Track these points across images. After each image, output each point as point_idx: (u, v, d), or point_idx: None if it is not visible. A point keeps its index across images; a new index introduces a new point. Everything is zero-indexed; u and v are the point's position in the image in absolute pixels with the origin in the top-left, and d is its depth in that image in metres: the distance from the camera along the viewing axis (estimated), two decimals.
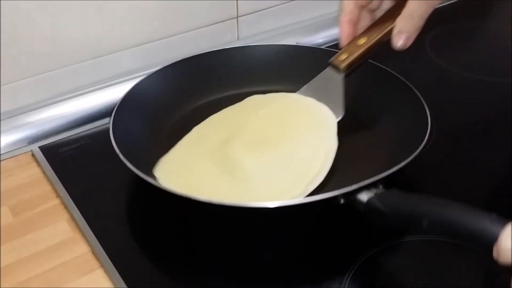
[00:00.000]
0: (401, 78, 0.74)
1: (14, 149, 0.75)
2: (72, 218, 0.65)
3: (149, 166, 0.67)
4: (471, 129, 0.79)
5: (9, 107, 0.77)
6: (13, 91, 0.77)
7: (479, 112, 0.82)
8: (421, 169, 0.66)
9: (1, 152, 0.75)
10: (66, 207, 0.66)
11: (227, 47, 0.84)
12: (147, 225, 0.65)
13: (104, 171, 0.71)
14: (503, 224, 0.45)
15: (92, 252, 0.61)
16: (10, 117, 0.77)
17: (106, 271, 0.58)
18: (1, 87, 0.76)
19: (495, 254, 0.45)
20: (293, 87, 0.76)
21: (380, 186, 0.57)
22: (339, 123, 0.70)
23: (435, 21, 1.02)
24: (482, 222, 0.46)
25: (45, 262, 0.60)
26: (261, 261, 0.60)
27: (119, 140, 0.65)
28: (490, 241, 0.45)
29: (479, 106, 0.83)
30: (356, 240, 0.61)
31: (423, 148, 0.62)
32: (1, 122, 0.76)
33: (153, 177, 0.64)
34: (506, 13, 1.06)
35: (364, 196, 0.56)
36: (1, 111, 0.77)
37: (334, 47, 0.76)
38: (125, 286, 0.56)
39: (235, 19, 0.91)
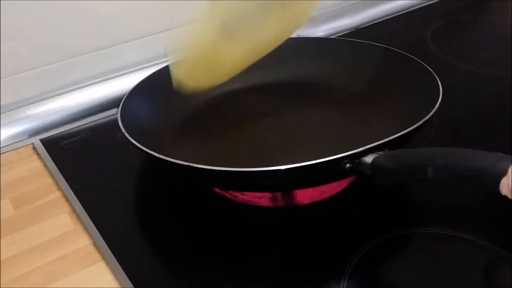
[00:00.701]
0: (409, 55, 0.75)
1: (15, 142, 0.76)
2: (74, 210, 0.65)
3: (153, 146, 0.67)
4: (471, 121, 0.79)
5: (10, 99, 0.78)
6: (14, 84, 0.77)
7: (479, 105, 0.82)
8: None
9: (3, 145, 0.75)
10: (67, 199, 0.66)
11: None
12: (149, 217, 0.65)
13: (105, 164, 0.71)
14: (510, 160, 0.44)
15: (94, 245, 0.61)
16: (11, 110, 0.77)
17: (107, 263, 0.59)
18: (2, 80, 0.76)
19: (504, 189, 0.44)
20: (295, 78, 0.79)
21: (386, 149, 0.56)
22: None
23: (435, 15, 1.03)
24: (488, 159, 0.45)
25: (47, 254, 0.60)
26: (261, 255, 0.60)
27: (125, 118, 0.65)
28: (498, 177, 0.44)
29: (480, 99, 0.83)
30: (356, 232, 0.61)
31: (433, 115, 0.61)
32: (2, 114, 0.76)
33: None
34: (507, 5, 1.07)
35: (369, 158, 0.55)
36: (2, 103, 0.77)
37: None
38: (126, 278, 0.56)
39: None
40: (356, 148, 0.55)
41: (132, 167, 0.70)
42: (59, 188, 0.68)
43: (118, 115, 0.66)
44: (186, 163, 0.56)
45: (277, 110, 0.77)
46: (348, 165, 0.56)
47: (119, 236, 0.62)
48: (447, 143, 0.72)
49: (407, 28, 1.00)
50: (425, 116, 0.60)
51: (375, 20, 1.02)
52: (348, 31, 1.00)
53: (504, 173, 0.44)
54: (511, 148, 0.74)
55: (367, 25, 1.01)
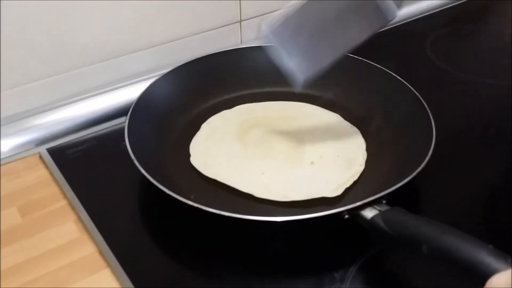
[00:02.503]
0: (412, 88, 0.75)
1: (22, 151, 0.76)
2: (79, 218, 0.66)
3: (159, 167, 0.68)
4: (471, 130, 0.79)
5: (17, 109, 0.78)
6: (21, 94, 0.78)
7: (479, 114, 0.83)
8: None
9: (10, 154, 0.76)
10: (73, 208, 0.67)
11: (235, 48, 0.86)
12: (153, 225, 0.66)
13: (110, 172, 0.72)
14: (498, 258, 0.46)
15: (99, 252, 0.62)
16: (18, 120, 0.78)
17: (113, 270, 0.60)
18: (10, 90, 0.77)
19: None
20: None
21: (384, 202, 0.58)
22: None
23: (435, 24, 1.04)
24: (478, 253, 0.47)
25: (53, 261, 0.61)
26: (266, 259, 0.62)
27: (133, 145, 0.66)
28: (485, 277, 0.45)
29: (479, 108, 0.84)
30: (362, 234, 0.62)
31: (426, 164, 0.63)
32: (10, 124, 0.77)
33: (163, 180, 0.63)
34: (506, 14, 1.07)
35: (368, 213, 0.57)
36: (10, 113, 0.78)
37: None
38: (131, 285, 0.57)
39: (239, 23, 0.92)
40: (353, 198, 0.58)
41: (137, 176, 0.70)
42: (65, 197, 0.69)
43: (126, 138, 0.68)
44: (189, 203, 0.59)
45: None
46: (347, 216, 0.58)
47: (124, 244, 0.63)
48: (447, 153, 0.73)
49: (407, 37, 1.01)
50: (416, 170, 0.62)
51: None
52: None
53: (489, 276, 0.45)
54: (510, 156, 0.75)
55: None
